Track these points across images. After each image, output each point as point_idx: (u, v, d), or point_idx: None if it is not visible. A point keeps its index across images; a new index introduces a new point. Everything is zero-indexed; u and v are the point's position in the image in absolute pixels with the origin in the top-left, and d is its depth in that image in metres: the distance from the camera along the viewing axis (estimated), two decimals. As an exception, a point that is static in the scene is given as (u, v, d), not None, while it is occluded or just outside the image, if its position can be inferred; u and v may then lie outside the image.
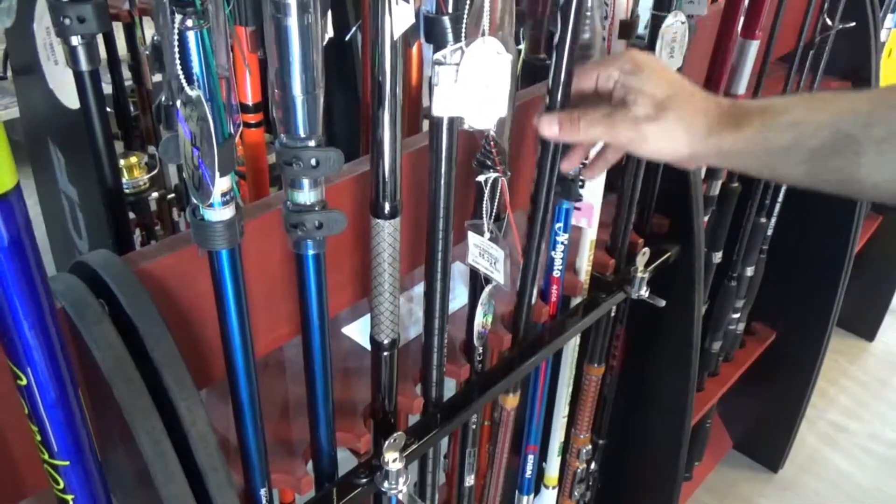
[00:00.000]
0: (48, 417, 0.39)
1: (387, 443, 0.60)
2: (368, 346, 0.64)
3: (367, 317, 0.74)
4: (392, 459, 0.60)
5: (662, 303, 0.87)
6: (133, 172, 1.03)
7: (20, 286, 0.35)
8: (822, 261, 1.46)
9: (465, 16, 0.51)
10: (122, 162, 1.00)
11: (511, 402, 0.87)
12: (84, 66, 0.52)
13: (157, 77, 1.17)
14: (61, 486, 0.42)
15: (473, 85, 0.52)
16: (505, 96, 0.55)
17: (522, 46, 0.82)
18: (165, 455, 0.47)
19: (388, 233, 0.56)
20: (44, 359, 0.37)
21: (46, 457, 0.40)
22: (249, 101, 0.62)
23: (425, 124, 0.96)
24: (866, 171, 0.50)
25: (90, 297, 0.47)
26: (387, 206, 0.55)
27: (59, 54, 0.58)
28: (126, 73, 1.13)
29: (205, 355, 0.57)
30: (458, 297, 0.75)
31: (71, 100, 0.57)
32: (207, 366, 0.57)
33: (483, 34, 0.52)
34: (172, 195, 1.10)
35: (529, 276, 0.73)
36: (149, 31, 1.13)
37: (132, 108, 1.16)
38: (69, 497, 0.42)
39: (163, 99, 0.56)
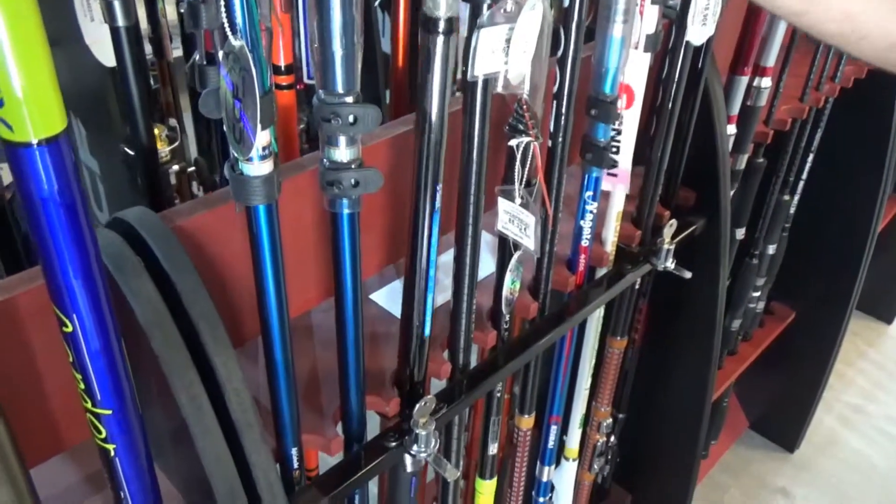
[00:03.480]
0: (92, 365, 0.39)
1: (418, 406, 0.60)
2: (396, 313, 0.64)
3: (396, 283, 0.74)
4: (423, 422, 0.60)
5: (688, 274, 0.86)
6: (154, 144, 1.03)
7: (68, 232, 0.35)
8: (844, 241, 1.44)
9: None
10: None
11: (526, 422, 0.88)
12: (121, 21, 0.52)
13: (178, 52, 1.16)
14: (103, 435, 0.42)
15: (512, 43, 0.52)
16: (539, 54, 0.54)
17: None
18: (202, 409, 0.48)
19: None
20: (89, 306, 0.37)
21: (89, 405, 0.41)
22: (282, 63, 0.61)
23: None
24: None
25: (128, 251, 0.47)
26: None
27: (97, 11, 0.58)
28: (147, 49, 1.13)
29: (238, 314, 0.57)
30: (483, 266, 0.75)
31: (108, 57, 0.57)
32: (240, 325, 0.57)
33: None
34: (192, 168, 1.10)
35: (547, 243, 0.73)
36: (170, 5, 1.12)
37: (153, 82, 1.16)
38: (111, 447, 0.43)
39: (196, 58, 0.56)
